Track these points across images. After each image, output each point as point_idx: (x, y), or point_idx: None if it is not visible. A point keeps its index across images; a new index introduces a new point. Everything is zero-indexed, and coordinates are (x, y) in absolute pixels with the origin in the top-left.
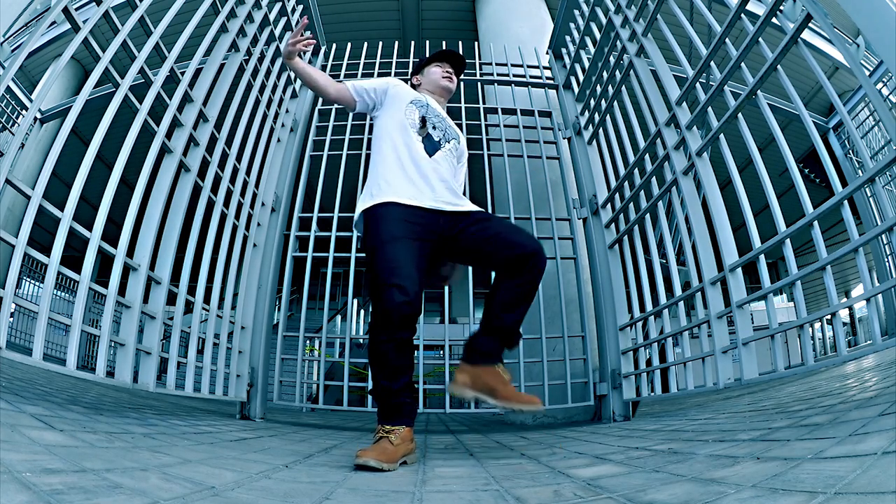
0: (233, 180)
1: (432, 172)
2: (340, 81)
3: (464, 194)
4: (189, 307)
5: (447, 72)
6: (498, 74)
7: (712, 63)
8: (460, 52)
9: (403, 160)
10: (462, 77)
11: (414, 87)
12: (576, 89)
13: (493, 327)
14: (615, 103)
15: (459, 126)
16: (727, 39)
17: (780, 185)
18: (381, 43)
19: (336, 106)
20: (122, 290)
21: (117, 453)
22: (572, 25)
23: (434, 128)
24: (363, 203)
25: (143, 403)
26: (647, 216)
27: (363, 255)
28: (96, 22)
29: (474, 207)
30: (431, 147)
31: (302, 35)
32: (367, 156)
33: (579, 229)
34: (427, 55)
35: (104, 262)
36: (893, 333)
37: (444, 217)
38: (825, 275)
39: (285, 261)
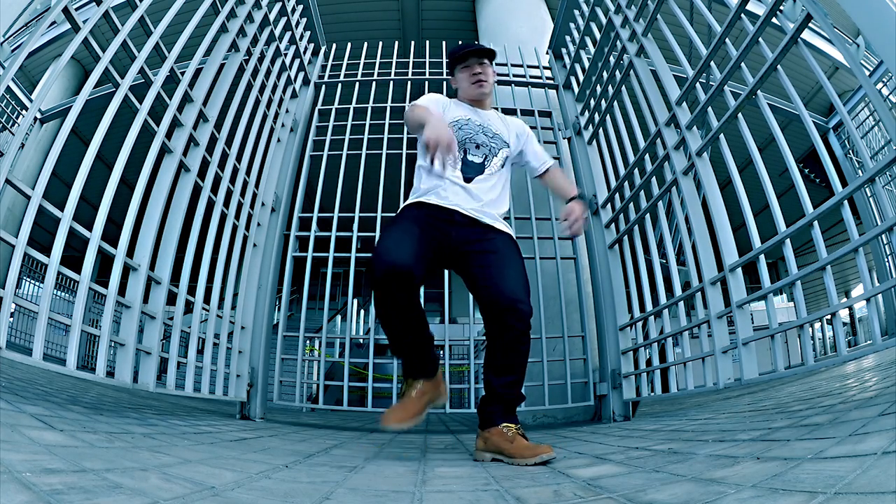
0: (233, 180)
1: (465, 193)
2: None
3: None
4: (189, 307)
5: (475, 74)
6: (498, 74)
7: (712, 63)
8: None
9: (438, 184)
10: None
11: (455, 92)
12: (576, 89)
13: (489, 391)
14: (615, 103)
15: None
16: (727, 39)
17: (780, 185)
18: (381, 43)
19: (336, 106)
20: (122, 290)
21: (117, 453)
22: (572, 25)
23: (478, 146)
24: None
25: (143, 403)
26: (647, 216)
27: (363, 255)
28: (96, 22)
29: (498, 226)
30: (472, 172)
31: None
32: (368, 156)
33: None
34: (427, 55)
35: (104, 262)
36: (893, 333)
37: (458, 225)
38: (825, 275)
39: (285, 261)
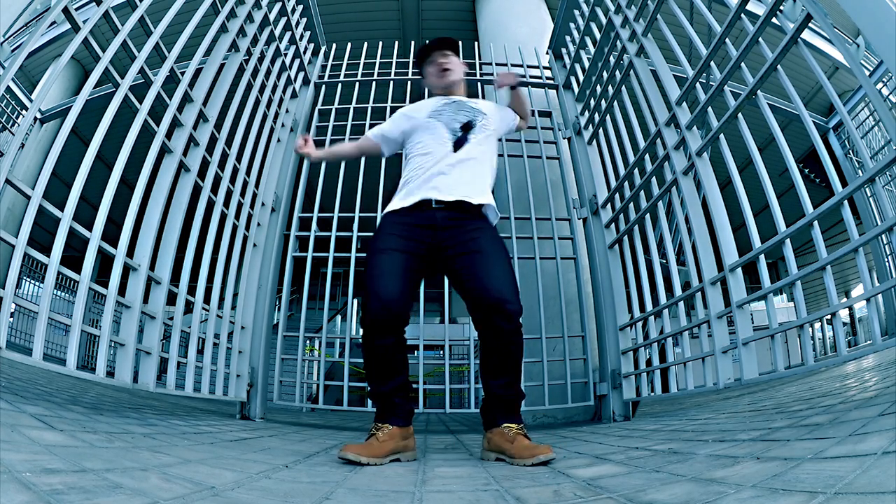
0: (233, 180)
1: (451, 174)
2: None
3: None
4: (189, 307)
5: (439, 64)
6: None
7: (712, 63)
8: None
9: (426, 165)
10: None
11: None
12: (576, 89)
13: (488, 393)
14: (615, 103)
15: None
16: (727, 39)
17: (780, 185)
18: (381, 43)
19: (336, 106)
20: (122, 290)
21: (117, 453)
22: (572, 25)
23: (462, 118)
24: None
25: (143, 403)
26: (647, 216)
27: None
28: (96, 22)
29: (483, 200)
30: (459, 139)
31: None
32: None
33: (579, 229)
34: None
35: (104, 262)
36: (893, 333)
37: (440, 229)
38: (825, 275)
39: (285, 261)
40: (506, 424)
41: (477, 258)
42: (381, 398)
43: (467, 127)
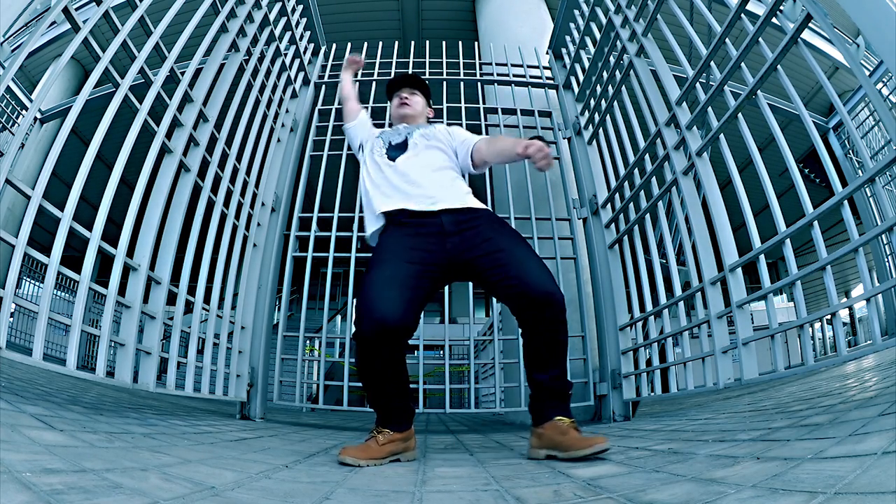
0: (233, 180)
1: (400, 177)
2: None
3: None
4: (189, 307)
5: (402, 98)
6: (498, 74)
7: (712, 63)
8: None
9: (375, 179)
10: (462, 77)
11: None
12: (576, 89)
13: (538, 388)
14: (615, 103)
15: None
16: (727, 39)
17: (780, 185)
18: (381, 43)
19: (336, 106)
20: (122, 290)
21: (117, 453)
22: (572, 25)
23: (398, 136)
24: (372, 239)
25: (143, 403)
26: (647, 216)
27: (363, 255)
28: (96, 22)
29: (474, 205)
30: (396, 152)
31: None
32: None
33: (579, 229)
34: (427, 55)
35: (104, 262)
36: (893, 333)
37: (448, 235)
38: (825, 275)
39: (285, 261)
40: (558, 417)
41: (503, 257)
42: (380, 405)
43: (402, 145)
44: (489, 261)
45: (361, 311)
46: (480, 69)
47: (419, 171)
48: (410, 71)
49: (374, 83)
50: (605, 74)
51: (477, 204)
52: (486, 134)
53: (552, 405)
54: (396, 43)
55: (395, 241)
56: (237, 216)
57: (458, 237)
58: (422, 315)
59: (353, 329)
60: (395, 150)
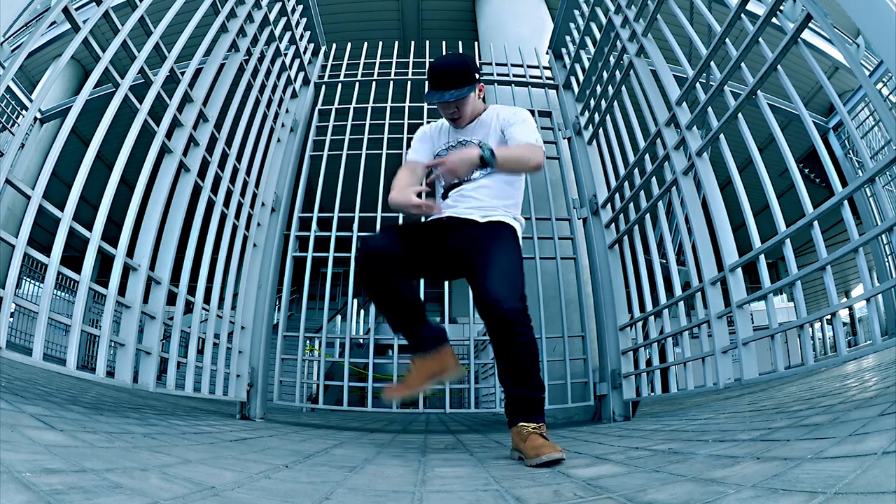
0: (233, 180)
1: (456, 198)
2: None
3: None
4: (189, 307)
5: (448, 113)
6: (498, 74)
7: (712, 63)
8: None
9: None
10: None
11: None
12: (576, 89)
13: (504, 394)
14: (615, 103)
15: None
16: (727, 39)
17: (780, 185)
18: (381, 43)
19: (336, 106)
20: (122, 290)
21: (117, 453)
22: (572, 25)
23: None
24: None
25: (143, 403)
26: (647, 216)
27: None
28: (96, 22)
29: (497, 218)
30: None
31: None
32: (368, 156)
33: (579, 229)
34: (427, 55)
35: (104, 262)
36: (893, 333)
37: (451, 230)
38: (825, 275)
39: (285, 261)
40: (521, 423)
41: (478, 260)
42: (406, 335)
43: (457, 184)
44: (472, 259)
45: (359, 241)
46: (480, 69)
47: (476, 190)
48: (410, 71)
49: (374, 83)
50: (605, 74)
51: (502, 217)
52: None
53: (517, 411)
54: (396, 43)
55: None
56: (237, 216)
57: (459, 233)
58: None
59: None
60: (452, 188)
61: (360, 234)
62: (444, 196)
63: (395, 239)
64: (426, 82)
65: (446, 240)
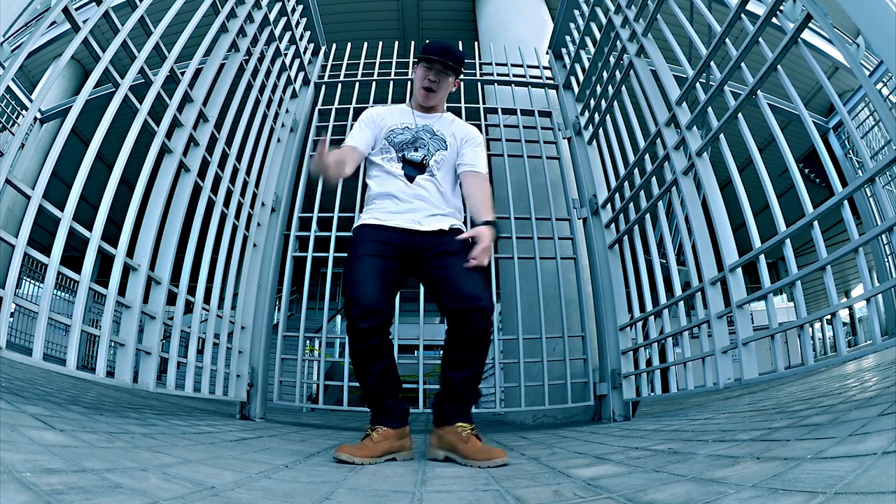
0: (233, 180)
1: (413, 198)
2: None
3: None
4: (189, 307)
5: (427, 79)
6: (498, 74)
7: (712, 63)
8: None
9: (387, 190)
10: (462, 77)
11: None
12: (576, 89)
13: (447, 387)
14: (615, 103)
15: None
16: (727, 39)
17: (780, 185)
18: (381, 43)
19: (336, 106)
20: (122, 290)
21: (117, 453)
22: (572, 25)
23: (416, 149)
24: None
25: (143, 403)
26: (647, 216)
27: None
28: (96, 22)
29: (453, 225)
30: (413, 171)
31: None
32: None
33: (579, 229)
34: None
35: (104, 262)
36: (893, 333)
37: (418, 236)
38: (825, 275)
39: (285, 261)
40: (460, 424)
41: (449, 259)
42: (373, 400)
43: (420, 166)
44: (438, 260)
45: (351, 305)
46: (480, 69)
47: (430, 194)
48: (410, 71)
49: (373, 83)
50: (605, 74)
51: (457, 223)
52: (486, 134)
53: (455, 410)
54: (396, 43)
55: (370, 234)
56: (237, 216)
57: (424, 237)
58: (421, 318)
59: (346, 320)
60: (412, 169)
61: (346, 282)
62: (409, 178)
63: (382, 283)
64: (423, 54)
65: (409, 241)
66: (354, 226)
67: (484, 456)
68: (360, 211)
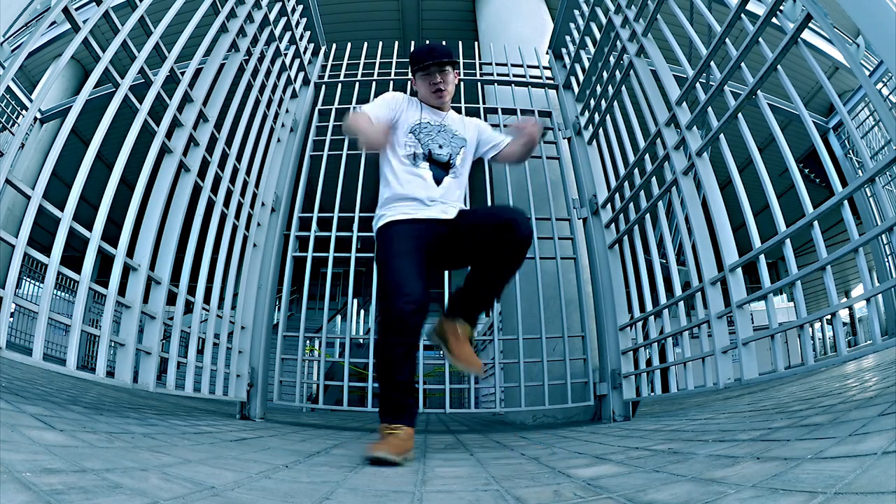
0: (233, 180)
1: (440, 199)
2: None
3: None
4: (189, 307)
5: (434, 83)
6: (498, 74)
7: (712, 63)
8: (460, 51)
9: (413, 193)
10: (462, 77)
11: (414, 92)
12: (576, 89)
13: (470, 284)
14: (615, 103)
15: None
16: (727, 39)
17: (780, 185)
18: (381, 43)
19: (336, 106)
20: (122, 290)
21: (117, 453)
22: (572, 25)
23: (440, 146)
24: (376, 223)
25: (143, 403)
26: (647, 216)
27: (364, 254)
28: (96, 22)
29: (461, 209)
30: (440, 173)
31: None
32: (368, 156)
33: (579, 229)
34: None
35: (104, 262)
36: (893, 333)
37: (443, 225)
38: (825, 275)
39: (285, 261)
40: (463, 323)
41: (471, 214)
42: (398, 399)
43: (446, 166)
44: (462, 226)
45: (391, 292)
46: (480, 69)
47: (453, 192)
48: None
49: (374, 83)
50: (605, 74)
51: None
52: None
53: (467, 308)
54: (396, 43)
55: (405, 230)
56: (237, 216)
57: (445, 227)
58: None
59: (384, 310)
60: (439, 169)
61: (372, 239)
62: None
63: (422, 275)
64: (411, 65)
65: (441, 231)
66: (382, 222)
67: (463, 361)
68: (377, 206)
